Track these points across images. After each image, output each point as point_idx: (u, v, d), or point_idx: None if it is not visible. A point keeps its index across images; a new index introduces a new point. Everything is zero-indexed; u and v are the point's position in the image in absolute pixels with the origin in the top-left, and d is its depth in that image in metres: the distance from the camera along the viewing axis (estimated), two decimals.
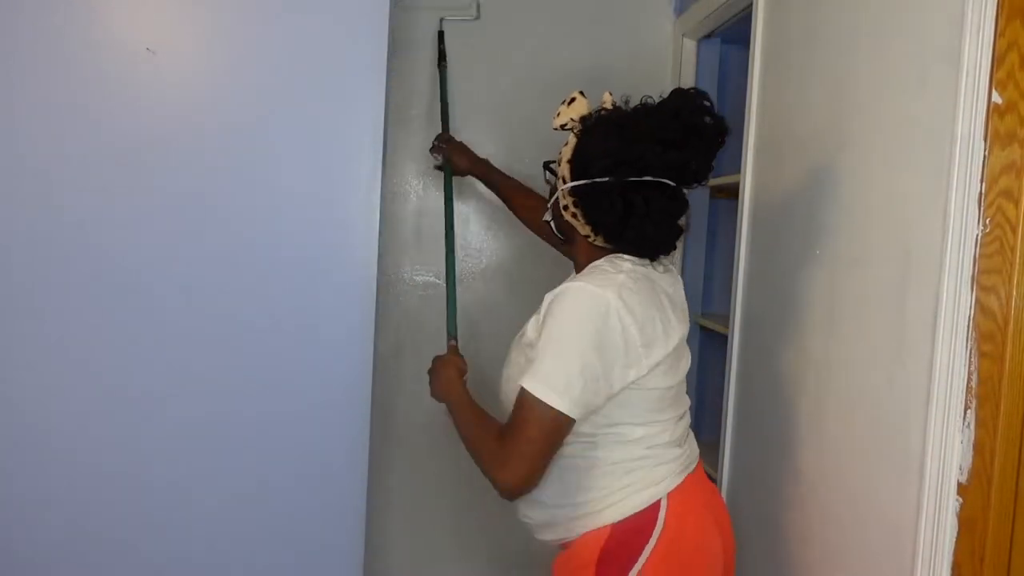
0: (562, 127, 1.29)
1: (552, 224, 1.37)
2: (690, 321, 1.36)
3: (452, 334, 1.60)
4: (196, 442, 1.49)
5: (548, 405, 1.13)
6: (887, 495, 1.18)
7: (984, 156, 1.02)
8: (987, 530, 1.03)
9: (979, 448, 1.03)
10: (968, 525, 1.04)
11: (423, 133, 2.26)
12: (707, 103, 1.22)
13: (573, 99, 1.29)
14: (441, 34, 2.24)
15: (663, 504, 1.21)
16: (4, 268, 1.40)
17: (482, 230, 2.33)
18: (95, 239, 1.43)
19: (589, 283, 1.17)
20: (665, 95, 1.25)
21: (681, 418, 1.31)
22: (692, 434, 1.37)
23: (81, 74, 1.40)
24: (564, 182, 1.27)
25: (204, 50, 1.45)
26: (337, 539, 1.55)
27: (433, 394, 1.45)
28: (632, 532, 1.20)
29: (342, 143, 1.50)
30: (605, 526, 1.21)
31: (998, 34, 1.01)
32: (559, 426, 1.15)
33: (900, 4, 1.21)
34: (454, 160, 1.95)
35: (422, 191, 2.30)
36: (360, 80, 1.50)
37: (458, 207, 2.29)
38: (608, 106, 1.27)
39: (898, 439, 1.16)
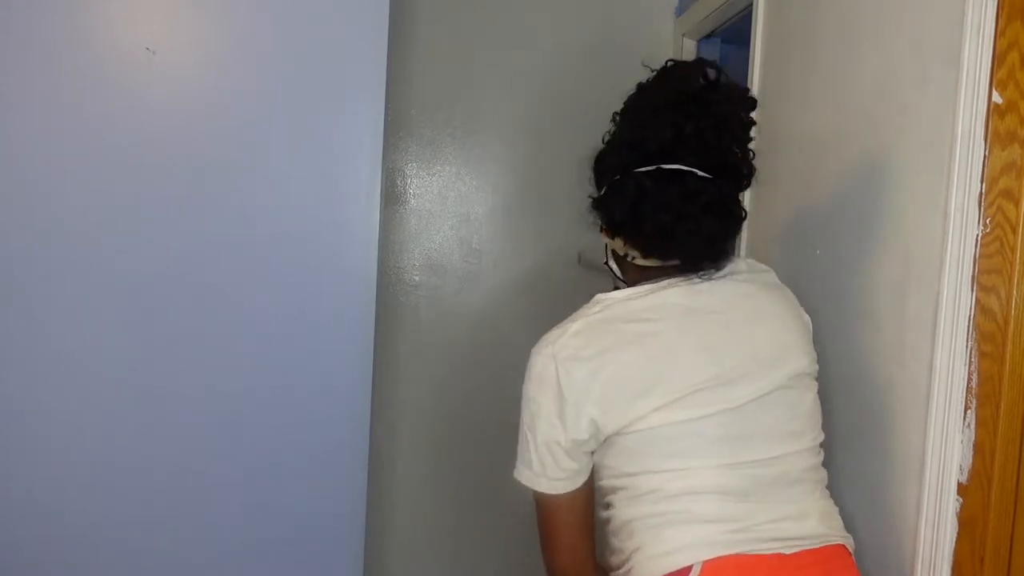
0: None
1: (610, 267, 1.21)
2: None
3: None
4: (195, 442, 1.48)
5: (535, 490, 1.08)
6: (887, 495, 1.18)
7: (984, 156, 1.02)
8: (987, 530, 1.03)
9: (979, 448, 1.03)
10: (968, 525, 1.04)
11: (423, 132, 2.26)
12: (707, 68, 1.08)
13: None
14: None
15: (694, 571, 0.98)
16: (3, 267, 1.40)
17: (488, 225, 2.33)
18: (94, 239, 1.42)
19: (544, 340, 1.07)
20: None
21: (743, 465, 1.03)
22: (820, 510, 1.06)
23: (80, 74, 1.40)
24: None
25: (204, 50, 1.45)
26: (337, 539, 1.55)
27: None
28: None
29: (342, 143, 1.50)
30: None
31: (998, 34, 1.01)
32: (554, 504, 1.07)
33: (900, 4, 1.21)
34: None
35: (421, 192, 2.30)
36: (360, 80, 1.50)
37: (461, 201, 2.30)
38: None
39: (898, 439, 1.16)
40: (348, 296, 1.51)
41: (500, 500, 2.22)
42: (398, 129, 2.23)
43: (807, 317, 1.20)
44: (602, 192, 1.14)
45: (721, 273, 1.12)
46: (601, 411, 1.03)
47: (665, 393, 1.02)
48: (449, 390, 2.31)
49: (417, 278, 2.29)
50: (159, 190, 1.44)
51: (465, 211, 2.30)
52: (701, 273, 1.10)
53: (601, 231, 1.17)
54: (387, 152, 1.99)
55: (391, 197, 2.25)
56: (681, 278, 1.10)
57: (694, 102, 1.06)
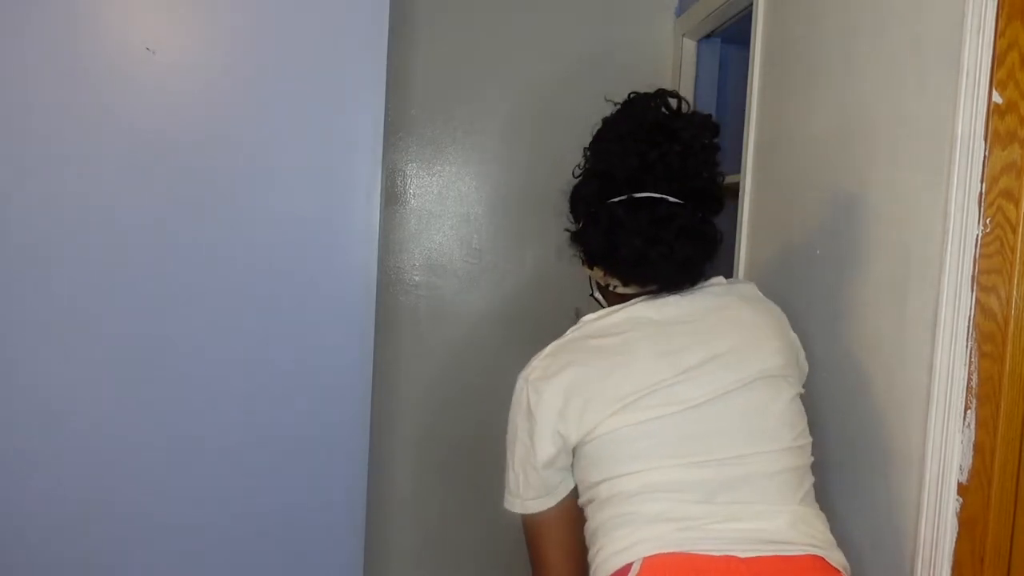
0: None
1: (596, 299, 1.23)
2: None
3: None
4: (194, 442, 1.48)
5: (514, 512, 1.12)
6: (887, 495, 1.18)
7: (984, 156, 1.02)
8: (987, 530, 1.03)
9: (979, 448, 1.03)
10: (968, 525, 1.04)
11: (423, 132, 2.26)
12: (668, 98, 1.13)
13: None
14: None
15: (633, 569, 0.97)
16: (3, 266, 1.40)
17: (488, 225, 2.32)
18: (93, 239, 1.42)
19: (526, 365, 1.11)
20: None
21: (704, 463, 1.01)
22: (795, 515, 1.01)
23: (80, 74, 1.40)
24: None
25: (204, 50, 1.45)
26: (337, 539, 1.55)
27: None
28: None
29: (342, 143, 1.50)
30: None
31: (998, 34, 1.01)
32: (535, 523, 1.11)
33: (900, 4, 1.21)
34: None
35: (421, 192, 2.30)
36: (360, 80, 1.50)
37: (461, 201, 2.30)
38: None
39: (898, 439, 1.16)
40: (348, 296, 1.52)
41: (501, 499, 2.22)
42: (398, 129, 2.23)
43: (793, 335, 1.19)
44: (578, 225, 1.17)
45: (692, 288, 1.14)
46: (564, 422, 1.05)
47: (621, 396, 1.03)
48: (449, 389, 2.31)
49: (417, 278, 2.29)
50: (159, 190, 1.44)
51: (465, 211, 2.30)
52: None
53: (582, 263, 1.19)
54: (387, 152, 1.99)
55: (391, 197, 2.25)
56: (643, 303, 1.12)
57: (658, 130, 1.09)
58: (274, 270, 1.49)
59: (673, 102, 1.12)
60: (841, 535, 1.30)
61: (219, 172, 1.46)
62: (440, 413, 2.31)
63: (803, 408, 1.12)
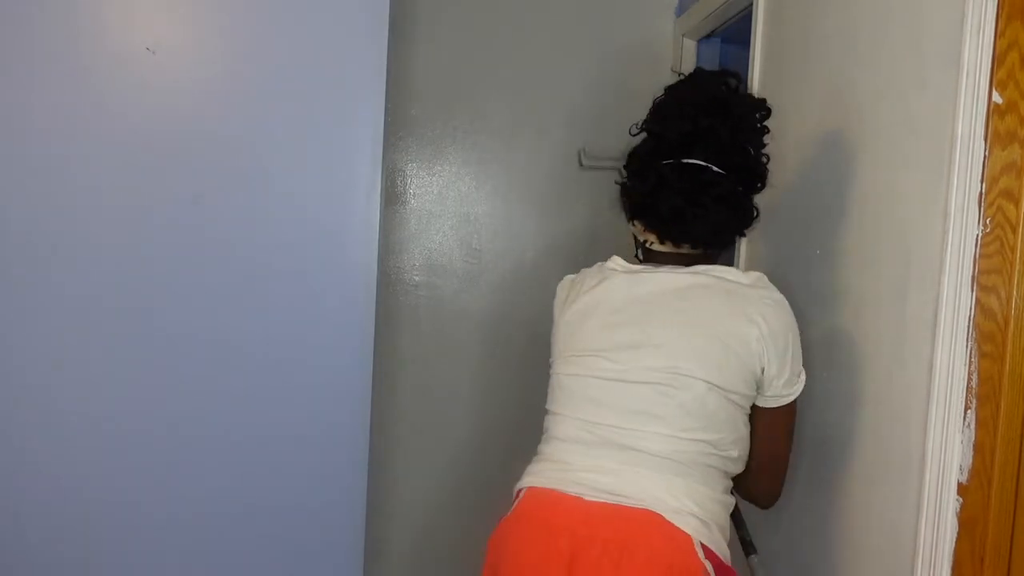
0: None
1: (639, 259, 1.30)
2: None
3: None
4: (195, 446, 1.48)
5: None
6: (887, 495, 1.18)
7: (984, 156, 1.02)
8: (987, 530, 1.03)
9: (979, 448, 1.03)
10: (968, 525, 1.04)
11: (423, 132, 2.26)
12: (729, 78, 1.22)
13: None
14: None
15: (519, 497, 1.20)
16: (4, 267, 1.40)
17: (488, 225, 2.32)
18: (93, 239, 1.42)
19: None
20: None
21: (592, 424, 1.16)
22: (654, 482, 1.11)
23: (80, 74, 1.40)
24: None
25: (204, 50, 1.45)
26: (336, 539, 1.55)
27: None
28: None
29: (342, 143, 1.50)
30: None
31: (998, 34, 1.01)
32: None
33: (900, 4, 1.21)
34: None
35: (421, 192, 2.30)
36: (360, 80, 1.50)
37: (461, 201, 2.29)
38: None
39: (898, 439, 1.16)
40: (348, 296, 1.51)
41: (500, 498, 2.22)
42: (398, 129, 2.23)
43: (768, 346, 1.15)
44: (629, 180, 1.26)
45: (683, 269, 1.20)
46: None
47: (565, 350, 1.23)
48: (449, 389, 2.31)
49: (417, 278, 2.29)
50: (158, 190, 1.44)
51: (465, 211, 2.30)
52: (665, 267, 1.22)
53: (627, 219, 1.28)
54: (387, 152, 1.99)
55: (391, 197, 2.25)
56: (625, 273, 1.23)
57: (714, 103, 1.19)
58: (274, 270, 1.49)
59: (733, 82, 1.22)
60: (841, 535, 1.30)
61: (219, 172, 1.46)
62: (440, 413, 2.31)
63: (724, 412, 1.14)
